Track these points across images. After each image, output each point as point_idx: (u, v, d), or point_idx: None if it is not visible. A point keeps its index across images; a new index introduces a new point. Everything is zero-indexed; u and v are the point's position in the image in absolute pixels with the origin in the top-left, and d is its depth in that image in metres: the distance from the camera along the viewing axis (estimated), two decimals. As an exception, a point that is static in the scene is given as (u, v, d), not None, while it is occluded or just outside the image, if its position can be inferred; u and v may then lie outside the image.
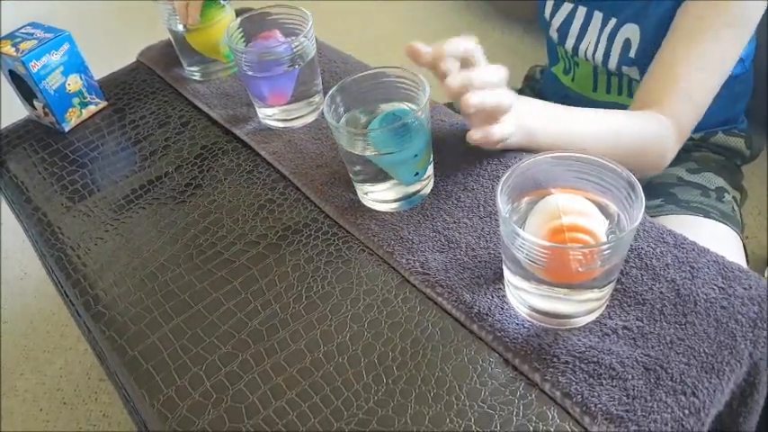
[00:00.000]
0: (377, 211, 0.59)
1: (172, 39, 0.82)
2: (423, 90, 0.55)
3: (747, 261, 0.76)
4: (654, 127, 0.68)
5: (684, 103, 0.68)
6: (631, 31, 0.75)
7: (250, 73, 0.68)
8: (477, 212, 0.57)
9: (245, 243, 0.59)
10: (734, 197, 0.82)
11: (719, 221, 0.75)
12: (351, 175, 0.60)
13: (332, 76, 0.78)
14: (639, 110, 0.69)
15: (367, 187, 0.59)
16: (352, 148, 0.55)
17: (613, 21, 0.77)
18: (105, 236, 0.64)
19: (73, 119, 0.78)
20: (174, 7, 0.75)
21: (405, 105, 0.58)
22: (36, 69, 0.72)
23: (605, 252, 0.41)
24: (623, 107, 0.80)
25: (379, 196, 0.59)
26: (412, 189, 0.58)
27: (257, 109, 0.74)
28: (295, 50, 0.67)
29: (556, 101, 0.94)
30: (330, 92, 0.56)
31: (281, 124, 0.73)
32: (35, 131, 0.80)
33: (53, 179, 0.72)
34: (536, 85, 1.05)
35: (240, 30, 0.70)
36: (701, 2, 0.67)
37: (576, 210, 0.43)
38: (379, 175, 0.57)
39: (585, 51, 0.82)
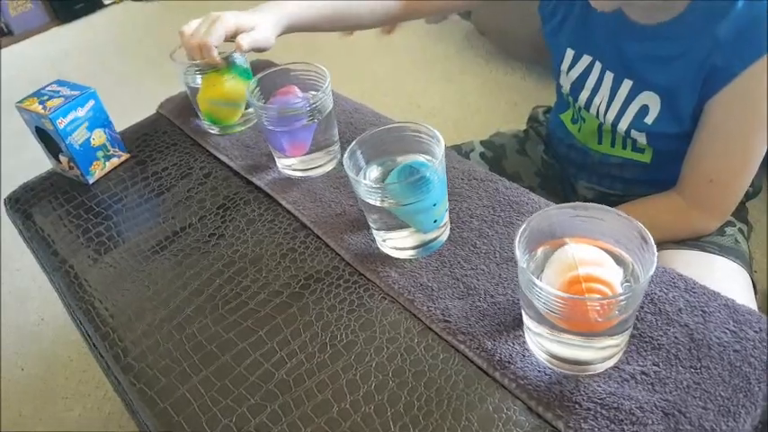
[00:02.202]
0: (396, 259, 0.61)
1: (189, 94, 0.85)
2: (438, 143, 0.58)
3: (756, 292, 0.77)
4: (655, 211, 0.78)
5: (704, 186, 0.75)
6: (650, 99, 0.76)
7: (271, 127, 0.71)
8: (493, 259, 0.59)
9: (269, 292, 0.61)
10: (739, 229, 0.83)
11: (717, 255, 0.76)
12: (369, 224, 0.62)
13: (347, 126, 0.81)
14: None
15: (386, 235, 0.61)
16: (372, 199, 0.57)
17: (629, 83, 0.78)
18: (132, 287, 0.66)
19: (97, 171, 0.82)
20: (188, 62, 0.79)
21: (421, 157, 0.61)
22: (63, 126, 0.76)
23: (622, 302, 0.43)
24: (628, 161, 0.85)
25: (397, 243, 0.61)
26: (430, 236, 0.60)
27: (276, 159, 0.77)
28: (313, 106, 0.70)
29: (562, 149, 0.98)
30: (350, 146, 0.59)
31: (300, 174, 0.75)
32: (60, 184, 0.83)
33: (79, 231, 0.75)
34: (540, 128, 1.06)
35: (258, 87, 0.74)
36: (732, 100, 0.69)
37: (591, 260, 0.45)
38: (398, 224, 0.59)
39: (598, 107, 0.82)
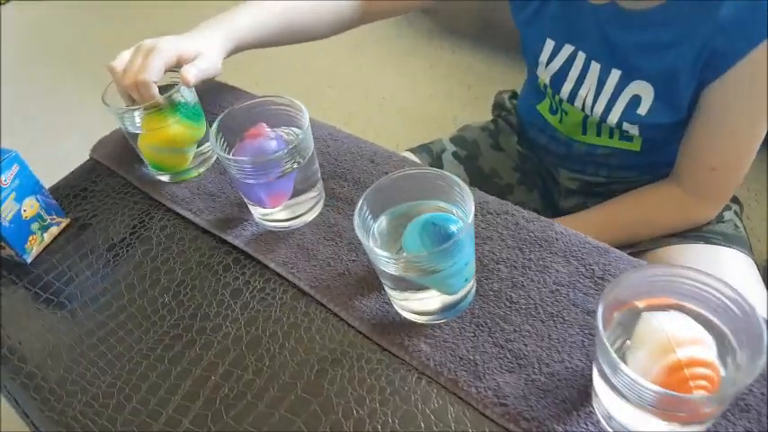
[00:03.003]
0: (421, 325, 0.53)
1: (129, 139, 0.72)
2: (465, 193, 0.49)
3: (764, 280, 0.75)
4: (652, 204, 0.77)
5: (706, 175, 0.72)
6: (642, 89, 0.71)
7: (246, 180, 0.60)
8: (536, 315, 0.51)
9: (279, 386, 0.51)
10: (735, 211, 0.81)
11: (724, 246, 0.74)
12: (385, 287, 0.53)
13: (324, 158, 0.71)
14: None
15: (405, 297, 0.52)
16: (392, 269, 0.48)
17: (617, 73, 0.73)
18: (106, 403, 0.54)
19: (34, 247, 0.68)
20: (125, 103, 0.67)
21: (440, 205, 0.52)
22: (-15, 204, 0.62)
23: (733, 390, 0.36)
24: (616, 150, 0.80)
25: (420, 306, 0.53)
26: (459, 296, 0.52)
27: (252, 209, 0.66)
28: (293, 148, 0.59)
29: (542, 139, 0.92)
30: (358, 204, 0.50)
31: (282, 225, 0.65)
32: (-11, 265, 0.69)
33: (26, 328, 0.62)
34: (510, 117, 1.00)
35: (220, 132, 0.62)
36: (734, 85, 0.65)
37: (689, 338, 0.38)
38: (421, 285, 0.51)
39: (584, 99, 0.77)
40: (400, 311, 0.54)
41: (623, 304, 0.43)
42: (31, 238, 0.67)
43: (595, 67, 0.74)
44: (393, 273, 0.49)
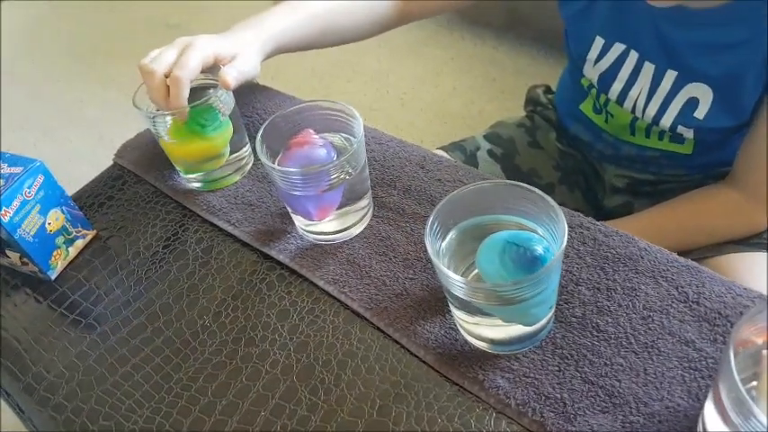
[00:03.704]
0: (495, 356, 0.47)
1: (160, 144, 0.67)
2: (553, 210, 0.43)
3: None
4: (707, 210, 0.71)
5: (763, 178, 0.66)
6: (700, 91, 0.67)
7: (294, 192, 0.54)
8: (628, 346, 0.46)
9: (338, 425, 0.46)
10: None
11: None
12: (452, 309, 0.48)
13: (371, 165, 0.65)
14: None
15: (476, 322, 0.47)
16: (463, 294, 0.43)
17: (673, 74, 0.68)
18: (144, 432, 0.49)
19: (59, 263, 0.63)
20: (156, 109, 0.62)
21: (522, 222, 0.46)
22: (8, 218, 0.56)
23: None
24: (665, 153, 0.76)
25: (493, 334, 0.47)
26: (544, 321, 0.47)
27: (295, 220, 0.60)
28: (345, 157, 0.53)
29: (588, 137, 0.86)
30: (428, 223, 0.44)
31: (328, 238, 0.59)
32: (12, 284, 0.64)
33: (52, 350, 0.57)
34: (547, 112, 0.95)
35: (264, 142, 0.56)
36: None
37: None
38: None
39: (635, 101, 0.72)
40: (469, 339, 0.49)
41: (745, 342, 0.37)
42: (55, 252, 0.62)
43: (649, 68, 0.70)
44: (465, 298, 0.43)
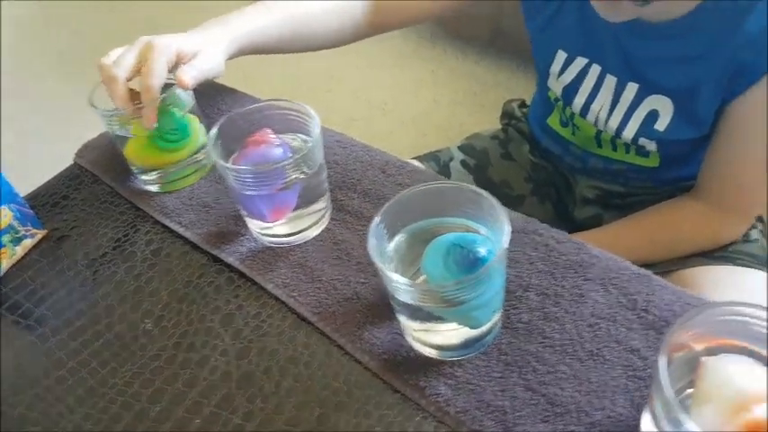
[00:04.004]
0: (440, 362, 0.46)
1: (116, 144, 0.66)
2: (498, 211, 0.42)
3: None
4: (675, 221, 0.71)
5: (732, 192, 0.67)
6: (660, 103, 0.67)
7: (246, 192, 0.53)
8: (573, 353, 0.44)
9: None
10: (761, 230, 0.76)
11: (752, 267, 0.69)
12: (397, 317, 0.47)
13: (331, 167, 0.64)
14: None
15: (424, 328, 0.45)
16: (408, 298, 0.42)
17: (634, 87, 0.68)
18: (76, 438, 0.47)
19: (4, 262, 0.61)
20: (114, 108, 0.60)
21: (467, 225, 0.45)
22: (-52, 214, 0.55)
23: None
24: (632, 166, 0.76)
25: (438, 340, 0.46)
26: (484, 329, 0.45)
27: (248, 222, 0.59)
28: (300, 156, 0.53)
29: (557, 151, 0.86)
30: (373, 222, 0.43)
31: (282, 240, 0.58)
32: (-46, 281, 0.62)
33: (-11, 351, 0.55)
34: (520, 125, 0.95)
35: (219, 140, 0.55)
36: (756, 101, 0.61)
37: (761, 393, 0.31)
38: (440, 317, 0.44)
39: (597, 114, 0.72)
40: (414, 345, 0.47)
41: (681, 347, 0.36)
42: (2, 251, 0.60)
43: (611, 81, 0.70)
44: (410, 302, 0.42)
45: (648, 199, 0.76)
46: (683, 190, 0.74)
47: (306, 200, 0.56)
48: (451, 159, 0.92)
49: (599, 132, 0.75)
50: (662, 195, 0.76)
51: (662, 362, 0.31)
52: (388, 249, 0.45)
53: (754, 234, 0.74)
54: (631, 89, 0.69)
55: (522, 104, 0.98)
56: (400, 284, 0.41)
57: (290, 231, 0.58)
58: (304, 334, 0.51)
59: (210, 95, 0.76)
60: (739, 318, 0.34)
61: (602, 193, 0.83)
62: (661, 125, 0.68)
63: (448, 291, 0.40)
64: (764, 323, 0.34)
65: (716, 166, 0.68)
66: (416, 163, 0.93)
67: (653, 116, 0.68)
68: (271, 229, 0.58)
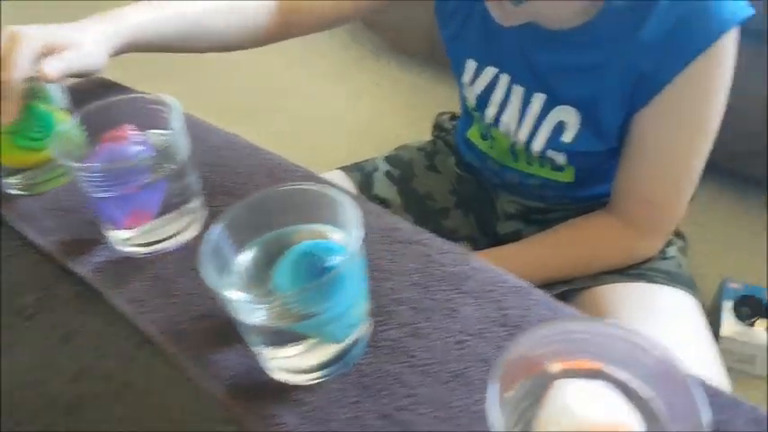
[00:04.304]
0: (291, 387, 0.41)
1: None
2: (349, 210, 0.38)
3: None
4: (590, 237, 0.69)
5: (642, 207, 0.66)
6: (567, 114, 0.65)
7: (96, 194, 0.47)
8: (435, 374, 0.40)
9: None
10: (679, 248, 0.75)
11: (667, 285, 0.67)
12: (247, 342, 0.41)
13: (214, 169, 0.59)
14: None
15: (274, 353, 0.40)
16: (254, 319, 0.36)
17: (541, 97, 0.66)
18: None
19: None
20: None
21: (322, 230, 0.40)
22: None
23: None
24: (548, 181, 0.74)
25: (293, 364, 0.41)
26: (344, 345, 0.40)
27: (107, 230, 0.53)
28: (160, 153, 0.48)
29: (477, 165, 0.83)
30: (209, 232, 0.38)
31: (143, 250, 0.52)
32: None
33: None
34: (449, 138, 0.92)
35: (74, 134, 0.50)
36: (665, 110, 0.59)
37: (609, 423, 0.27)
38: (293, 336, 0.39)
39: (508, 125, 0.70)
40: (267, 368, 0.42)
41: (534, 366, 0.32)
42: None
43: (518, 91, 0.68)
44: (254, 321, 0.37)
45: (569, 215, 0.74)
46: (603, 206, 0.72)
47: (170, 205, 0.51)
48: (376, 170, 0.89)
49: (513, 144, 0.72)
50: (582, 212, 0.73)
51: (491, 391, 0.27)
52: (234, 264, 0.40)
53: (672, 251, 0.72)
54: (538, 99, 0.67)
55: (453, 117, 0.96)
56: (240, 303, 0.35)
57: (150, 240, 0.52)
58: (147, 355, 0.45)
59: (92, 92, 0.70)
60: (588, 335, 0.30)
61: (523, 209, 0.81)
62: (568, 137, 0.66)
63: (292, 301, 0.36)
64: (615, 341, 0.30)
65: (626, 182, 0.67)
66: (339, 173, 0.89)
67: (560, 127, 0.66)
68: (128, 236, 0.52)
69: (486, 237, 0.87)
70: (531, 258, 0.72)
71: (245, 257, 0.40)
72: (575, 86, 0.63)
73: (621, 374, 0.31)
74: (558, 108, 0.65)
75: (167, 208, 0.51)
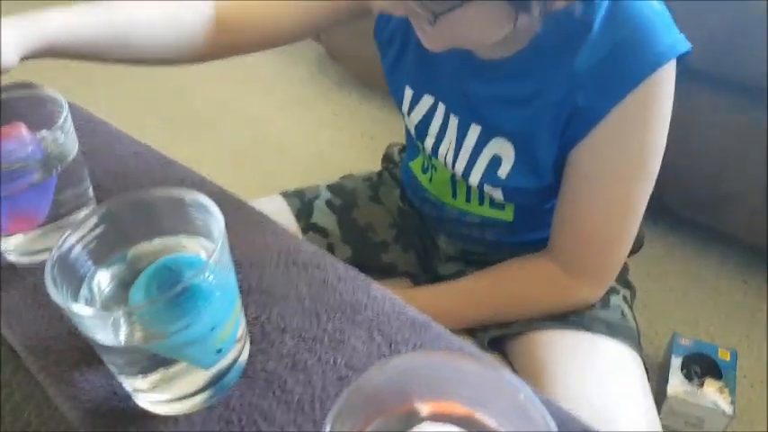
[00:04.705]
0: (151, 416, 0.37)
1: None
2: (213, 218, 0.35)
3: (649, 378, 0.64)
4: (527, 280, 0.67)
5: (581, 250, 0.63)
6: (503, 147, 0.62)
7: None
8: (310, 412, 0.37)
9: None
10: (623, 297, 0.72)
11: (606, 336, 0.64)
12: (109, 369, 0.37)
13: (117, 180, 0.56)
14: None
15: (131, 379, 0.36)
16: (105, 337, 0.33)
17: (477, 129, 0.63)
18: None
19: None
20: None
21: (188, 243, 0.37)
22: None
23: None
24: (488, 220, 0.71)
25: (154, 391, 0.37)
26: (213, 371, 0.37)
27: (-10, 234, 0.49)
28: (45, 153, 0.44)
29: (416, 200, 0.80)
30: (59, 244, 0.34)
31: (27, 259, 0.48)
32: None
33: None
34: (396, 170, 0.90)
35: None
36: (601, 146, 0.57)
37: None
38: (157, 361, 0.35)
39: (445, 156, 0.68)
40: (135, 399, 0.38)
41: (398, 404, 0.29)
42: None
43: (455, 121, 0.66)
44: (110, 344, 0.33)
45: (511, 257, 0.70)
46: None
47: (58, 211, 0.47)
48: (317, 197, 0.86)
49: (453, 175, 0.70)
50: (523, 254, 0.70)
51: (326, 429, 0.24)
52: (91, 285, 0.36)
53: (615, 300, 0.69)
54: (474, 131, 0.64)
55: (403, 149, 0.94)
56: (85, 318, 0.32)
57: (36, 249, 0.48)
58: (9, 371, 0.40)
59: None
60: (443, 373, 0.28)
61: (463, 250, 0.78)
62: (503, 171, 0.64)
63: (138, 317, 0.32)
64: (494, 388, 0.27)
65: (564, 221, 0.64)
66: (279, 198, 0.86)
67: (496, 161, 0.64)
68: (14, 246, 0.48)
69: (427, 274, 0.84)
70: (464, 296, 0.70)
71: (105, 273, 0.36)
72: (508, 118, 0.61)
73: (491, 422, 0.28)
74: (495, 140, 0.63)
75: (56, 216, 0.48)
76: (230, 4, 0.72)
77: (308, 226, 0.82)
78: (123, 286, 0.37)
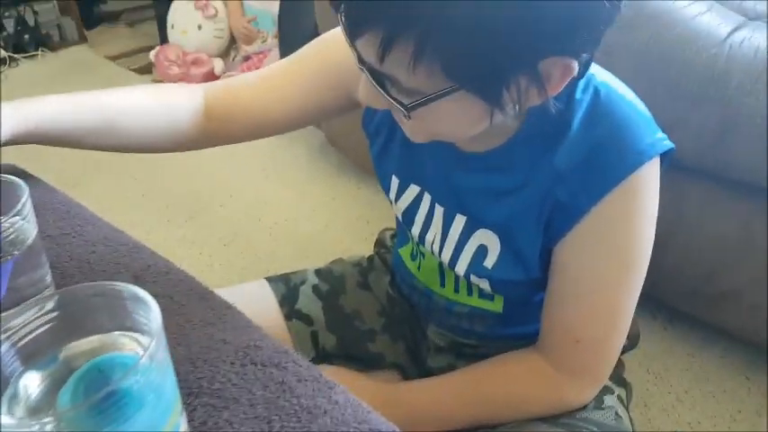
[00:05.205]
0: None
1: None
2: (153, 315, 0.32)
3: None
4: (516, 379, 0.64)
5: (570, 348, 0.61)
6: (488, 238, 0.61)
7: None
8: None
9: None
10: (618, 396, 0.68)
11: None
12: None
13: (82, 267, 0.54)
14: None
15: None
16: None
17: (462, 219, 0.63)
18: None
19: None
20: None
21: (125, 341, 0.34)
22: None
23: None
24: (477, 310, 0.69)
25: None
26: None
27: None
28: (3, 237, 0.43)
29: (405, 288, 0.77)
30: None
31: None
32: None
33: None
34: (387, 255, 0.88)
35: None
36: (585, 242, 0.56)
37: None
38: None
39: (432, 245, 0.66)
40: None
41: None
42: None
43: (440, 211, 0.65)
44: None
45: (501, 351, 0.67)
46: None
47: (14, 297, 0.45)
48: (303, 282, 0.83)
49: (441, 264, 0.69)
50: (515, 348, 0.67)
51: None
52: (17, 389, 0.33)
53: (609, 400, 0.65)
54: (459, 221, 0.63)
55: (396, 234, 0.93)
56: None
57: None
58: None
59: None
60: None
61: (453, 342, 0.75)
62: (489, 262, 0.62)
63: (59, 425, 0.29)
64: None
65: (552, 318, 0.61)
66: (264, 283, 0.83)
67: (482, 252, 0.62)
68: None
69: (417, 366, 0.80)
70: (451, 394, 0.66)
71: (35, 375, 0.33)
72: (492, 210, 0.61)
73: None
74: (480, 231, 0.62)
75: (12, 302, 0.45)
76: (220, 93, 0.72)
77: (291, 313, 0.79)
78: (55, 388, 0.33)
